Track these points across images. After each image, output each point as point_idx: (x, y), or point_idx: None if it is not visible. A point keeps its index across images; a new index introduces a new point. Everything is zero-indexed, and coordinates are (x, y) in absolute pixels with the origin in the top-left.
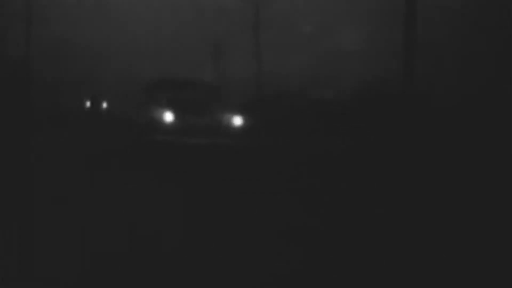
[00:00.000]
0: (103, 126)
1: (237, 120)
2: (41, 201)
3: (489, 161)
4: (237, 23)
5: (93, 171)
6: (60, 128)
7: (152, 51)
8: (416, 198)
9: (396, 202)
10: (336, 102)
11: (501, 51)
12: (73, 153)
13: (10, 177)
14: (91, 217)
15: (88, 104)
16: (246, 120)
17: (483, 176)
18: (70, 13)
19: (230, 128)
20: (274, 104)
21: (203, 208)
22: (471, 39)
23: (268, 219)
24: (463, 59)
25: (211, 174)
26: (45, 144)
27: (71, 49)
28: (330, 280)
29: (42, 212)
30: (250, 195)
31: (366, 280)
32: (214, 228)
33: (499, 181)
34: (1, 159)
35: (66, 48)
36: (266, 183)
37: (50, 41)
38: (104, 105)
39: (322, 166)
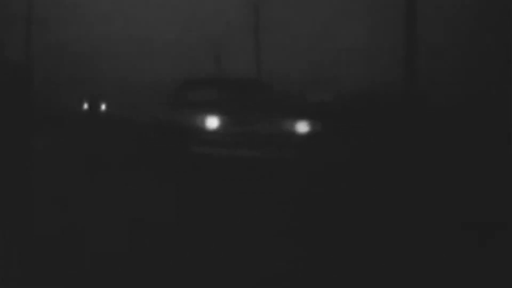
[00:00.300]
0: (117, 134)
1: (303, 127)
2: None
3: (490, 162)
4: (237, 24)
5: (118, 190)
6: (75, 133)
7: (151, 52)
8: (418, 199)
9: (399, 203)
10: (336, 104)
11: (502, 51)
12: (93, 163)
13: (12, 180)
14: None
15: (86, 105)
16: (315, 126)
17: (484, 176)
18: (69, 14)
19: (293, 137)
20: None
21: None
22: (471, 39)
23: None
24: (463, 59)
25: (270, 198)
26: (57, 150)
27: (71, 50)
28: None
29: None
30: (322, 228)
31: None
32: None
33: (499, 181)
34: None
35: (67, 49)
36: (344, 210)
37: (50, 42)
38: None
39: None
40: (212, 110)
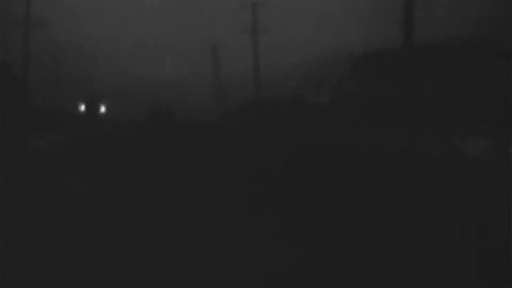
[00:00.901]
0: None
1: None
2: None
3: (489, 162)
4: (235, 24)
5: None
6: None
7: (150, 53)
8: (417, 199)
9: (396, 201)
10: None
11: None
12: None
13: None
14: None
15: (83, 106)
16: None
17: (483, 176)
18: (69, 15)
19: None
20: None
21: None
22: (471, 38)
23: None
24: (462, 60)
25: None
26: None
27: (70, 51)
28: None
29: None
30: None
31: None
32: None
33: (497, 181)
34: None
35: (65, 50)
36: None
37: (48, 43)
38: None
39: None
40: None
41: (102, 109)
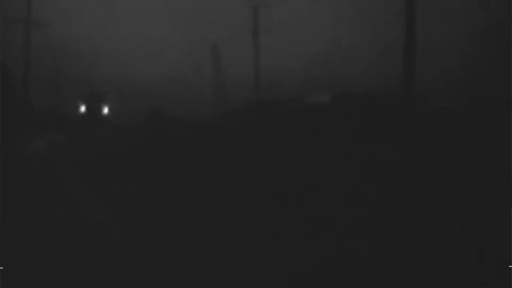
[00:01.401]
0: None
1: None
2: None
3: (488, 162)
4: (236, 25)
5: None
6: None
7: (151, 53)
8: (417, 199)
9: (397, 203)
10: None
11: (501, 51)
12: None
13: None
14: None
15: (84, 107)
16: None
17: (482, 176)
18: (69, 15)
19: None
20: None
21: None
22: (471, 39)
23: None
24: (463, 60)
25: None
26: None
27: (70, 52)
28: None
29: None
30: None
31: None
32: None
33: (497, 181)
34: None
35: (66, 50)
36: None
37: (50, 43)
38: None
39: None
40: None
41: (105, 110)
